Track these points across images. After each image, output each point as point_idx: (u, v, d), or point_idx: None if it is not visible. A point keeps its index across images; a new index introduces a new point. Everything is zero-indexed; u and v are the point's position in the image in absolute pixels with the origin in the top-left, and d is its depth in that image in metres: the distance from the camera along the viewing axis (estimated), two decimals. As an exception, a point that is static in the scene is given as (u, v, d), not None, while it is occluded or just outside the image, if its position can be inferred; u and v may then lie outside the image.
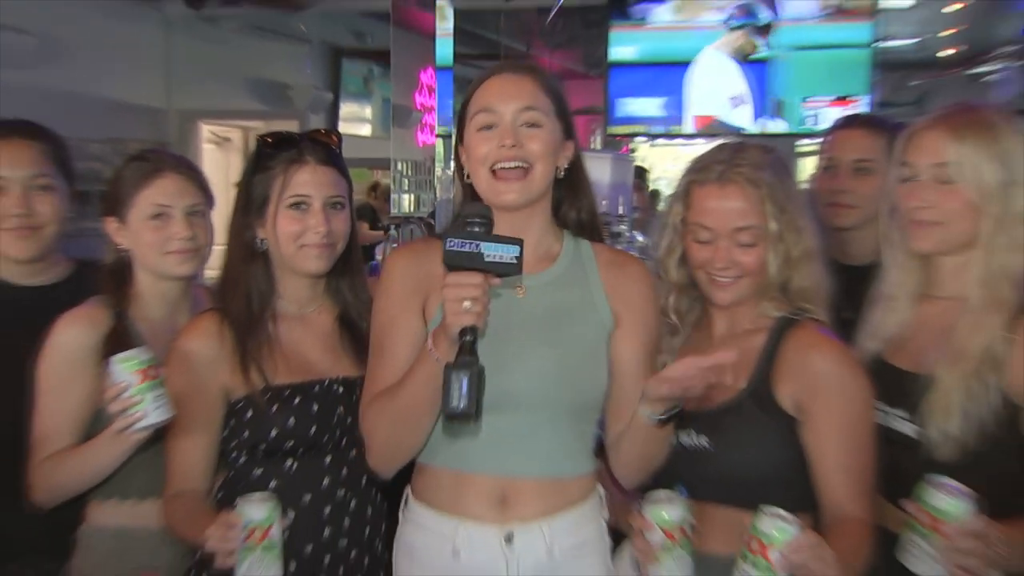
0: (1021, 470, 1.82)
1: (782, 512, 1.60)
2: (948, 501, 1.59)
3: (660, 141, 9.50)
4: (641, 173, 8.39)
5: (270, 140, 2.03)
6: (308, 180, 1.98)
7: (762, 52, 6.75)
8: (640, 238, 5.64)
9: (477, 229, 1.60)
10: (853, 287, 2.05)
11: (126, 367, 1.80)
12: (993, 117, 1.87)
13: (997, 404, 1.79)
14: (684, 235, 1.94)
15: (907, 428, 1.86)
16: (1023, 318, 1.81)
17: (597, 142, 9.66)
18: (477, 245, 1.57)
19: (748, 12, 6.64)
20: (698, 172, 1.92)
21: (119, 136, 6.39)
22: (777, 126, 6.77)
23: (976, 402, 1.79)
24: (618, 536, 1.92)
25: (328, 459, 1.97)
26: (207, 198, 2.18)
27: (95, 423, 2.00)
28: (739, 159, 1.89)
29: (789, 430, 1.82)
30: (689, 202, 1.92)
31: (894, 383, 1.88)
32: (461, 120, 1.90)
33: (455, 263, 1.58)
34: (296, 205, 1.98)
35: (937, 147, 1.86)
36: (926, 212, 1.87)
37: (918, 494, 1.62)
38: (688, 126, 6.98)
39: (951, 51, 11.15)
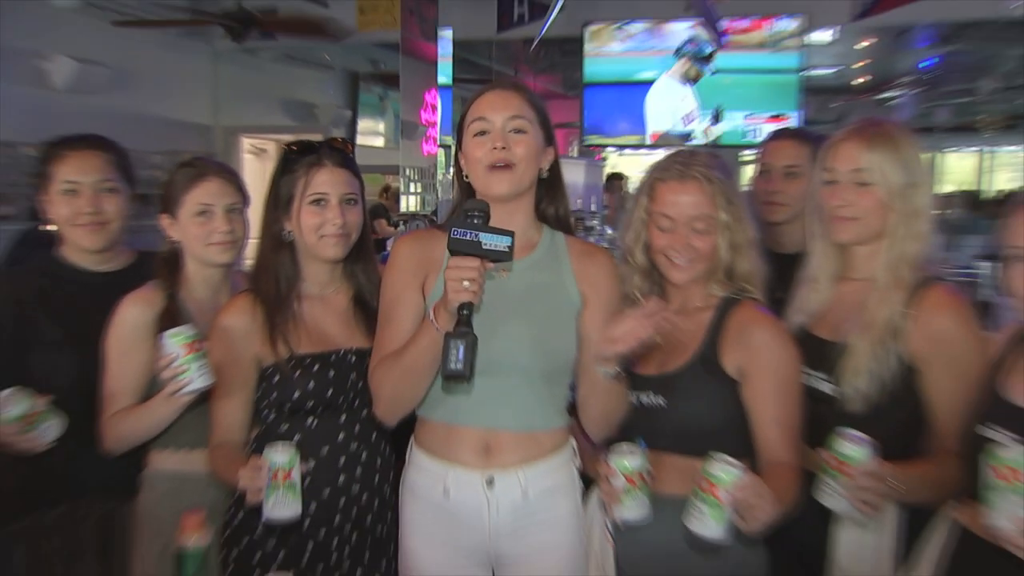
0: (913, 420, 1.84)
1: (728, 458, 1.60)
2: (852, 448, 1.60)
3: (627, 151, 9.54)
4: (619, 176, 8.45)
5: (294, 147, 2.01)
6: (326, 180, 1.96)
7: (706, 76, 6.81)
8: (609, 231, 5.64)
9: (476, 220, 1.60)
10: (784, 272, 2.05)
11: (175, 341, 1.81)
12: (895, 131, 1.89)
13: (896, 366, 1.80)
14: (649, 225, 1.93)
15: (826, 387, 1.87)
16: (918, 295, 1.82)
17: (574, 151, 9.65)
18: (477, 235, 1.58)
19: (696, 43, 6.72)
20: (660, 171, 1.92)
21: (174, 148, 6.35)
22: (720, 128, 6.85)
23: (880, 364, 1.80)
24: (589, 481, 1.91)
25: (343, 417, 1.96)
26: (244, 198, 2.16)
27: (152, 386, 1.99)
28: (694, 161, 1.89)
29: (732, 391, 1.82)
30: (653, 196, 1.91)
31: (816, 350, 1.89)
32: (460, 130, 1.89)
33: (458, 249, 1.58)
34: (316, 201, 1.96)
35: (854, 155, 1.87)
36: (846, 209, 1.88)
37: (829, 443, 1.63)
38: (648, 140, 7.02)
39: (862, 80, 11.27)
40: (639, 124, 7.03)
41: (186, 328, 1.85)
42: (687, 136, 6.83)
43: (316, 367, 1.94)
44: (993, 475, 1.46)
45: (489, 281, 1.64)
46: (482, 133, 1.82)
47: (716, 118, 6.78)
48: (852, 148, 1.87)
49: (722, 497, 1.57)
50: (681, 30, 6.80)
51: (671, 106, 6.93)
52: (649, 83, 6.92)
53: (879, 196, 1.85)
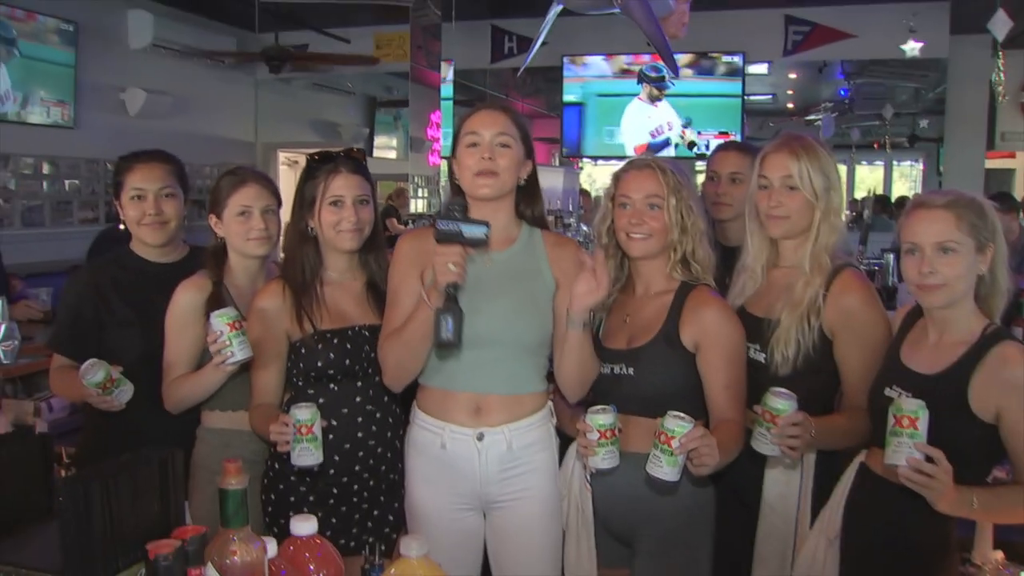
0: (829, 382, 1.84)
1: (681, 413, 1.59)
2: (780, 402, 1.61)
3: (600, 161, 9.58)
4: (586, 192, 8.57)
5: (316, 157, 1.99)
6: (342, 184, 1.93)
7: (668, 99, 7.05)
8: (584, 228, 5.62)
9: (457, 214, 1.60)
10: (730, 261, 2.05)
11: (221, 320, 1.79)
12: (815, 144, 1.88)
13: (816, 338, 1.80)
14: (613, 208, 1.91)
15: (760, 356, 1.86)
16: (834, 279, 1.82)
17: (556, 161, 9.62)
18: (458, 225, 1.58)
19: (655, 71, 6.82)
20: (626, 166, 1.92)
21: (223, 161, 6.36)
22: (692, 133, 7.10)
23: (804, 336, 1.80)
24: (563, 437, 1.91)
25: (359, 383, 1.94)
26: (277, 201, 2.13)
27: (203, 356, 1.97)
28: (654, 158, 1.90)
29: (689, 362, 1.80)
30: (618, 184, 1.90)
31: (752, 326, 1.87)
32: (455, 140, 1.87)
33: (443, 239, 1.59)
34: (334, 202, 1.93)
35: (784, 165, 1.86)
36: (779, 209, 1.86)
37: (763, 400, 1.63)
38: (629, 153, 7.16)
39: (792, 104, 11.32)
40: (606, 136, 7.32)
41: (230, 309, 1.83)
42: (666, 143, 6.96)
43: (336, 340, 1.92)
44: (894, 423, 1.49)
45: (475, 269, 1.64)
46: (473, 145, 1.80)
47: (688, 124, 7.01)
48: (782, 159, 1.86)
49: (675, 447, 1.56)
50: (597, 62, 7.21)
51: (641, 123, 7.14)
52: (571, 105, 7.37)
53: (805, 198, 1.84)
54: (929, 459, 1.45)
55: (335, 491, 1.93)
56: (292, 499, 1.91)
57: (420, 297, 1.69)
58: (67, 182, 5.82)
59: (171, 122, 6.38)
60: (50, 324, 3.85)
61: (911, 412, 1.47)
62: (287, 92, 8.01)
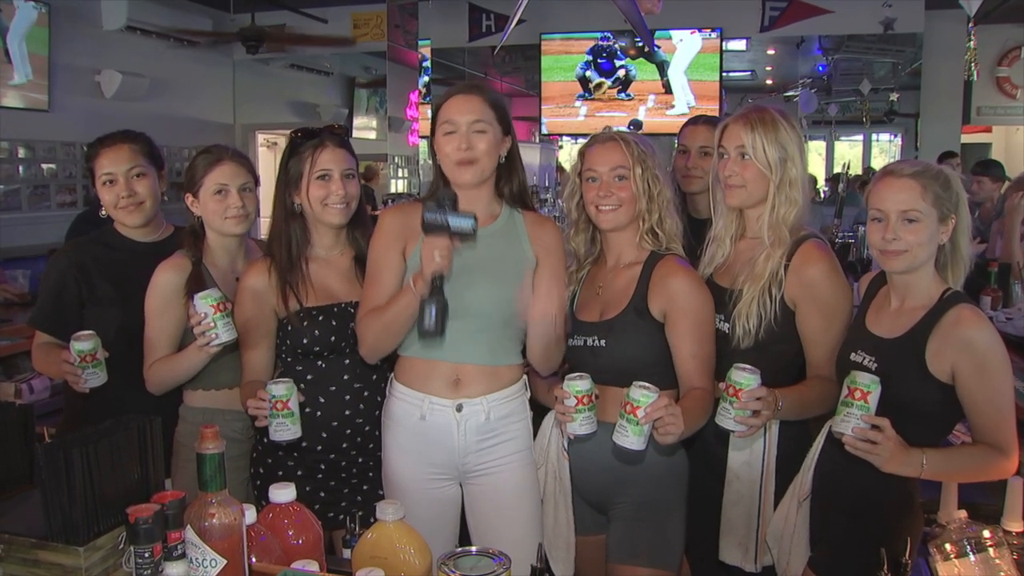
0: (791, 353, 1.86)
1: (646, 383, 1.61)
2: (743, 377, 1.61)
3: (580, 139, 9.60)
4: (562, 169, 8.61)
5: (301, 133, 1.99)
6: (329, 158, 1.94)
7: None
8: (561, 203, 5.67)
9: (446, 204, 1.61)
10: (701, 233, 2.06)
11: (205, 302, 1.80)
12: (776, 116, 1.88)
13: (778, 309, 1.82)
14: (581, 183, 1.92)
15: (724, 327, 1.87)
16: (796, 250, 1.84)
17: (536, 139, 9.61)
18: (446, 218, 1.60)
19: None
20: (591, 139, 1.94)
21: (202, 144, 6.23)
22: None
23: (765, 308, 1.82)
24: (536, 408, 1.94)
25: (347, 360, 1.95)
26: (254, 178, 2.12)
27: (185, 336, 1.98)
28: (617, 131, 1.91)
29: (658, 332, 1.82)
30: (584, 158, 1.92)
31: (717, 296, 1.89)
32: (433, 123, 1.87)
33: (431, 230, 1.60)
34: (322, 176, 1.94)
35: (738, 135, 1.87)
36: (733, 178, 1.88)
37: (727, 375, 1.64)
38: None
39: (771, 81, 11.33)
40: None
41: (214, 291, 1.84)
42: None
43: (321, 317, 1.93)
44: (847, 394, 1.52)
45: (459, 249, 1.65)
46: (450, 132, 1.81)
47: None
48: (737, 129, 1.87)
49: (640, 416, 1.58)
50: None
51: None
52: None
53: (758, 168, 1.85)
54: (875, 427, 1.50)
55: (323, 466, 1.95)
56: (280, 474, 1.93)
57: (405, 282, 1.71)
58: (44, 166, 5.76)
59: (148, 104, 6.32)
60: (28, 307, 3.83)
61: (864, 386, 1.51)
62: (265, 73, 7.93)
